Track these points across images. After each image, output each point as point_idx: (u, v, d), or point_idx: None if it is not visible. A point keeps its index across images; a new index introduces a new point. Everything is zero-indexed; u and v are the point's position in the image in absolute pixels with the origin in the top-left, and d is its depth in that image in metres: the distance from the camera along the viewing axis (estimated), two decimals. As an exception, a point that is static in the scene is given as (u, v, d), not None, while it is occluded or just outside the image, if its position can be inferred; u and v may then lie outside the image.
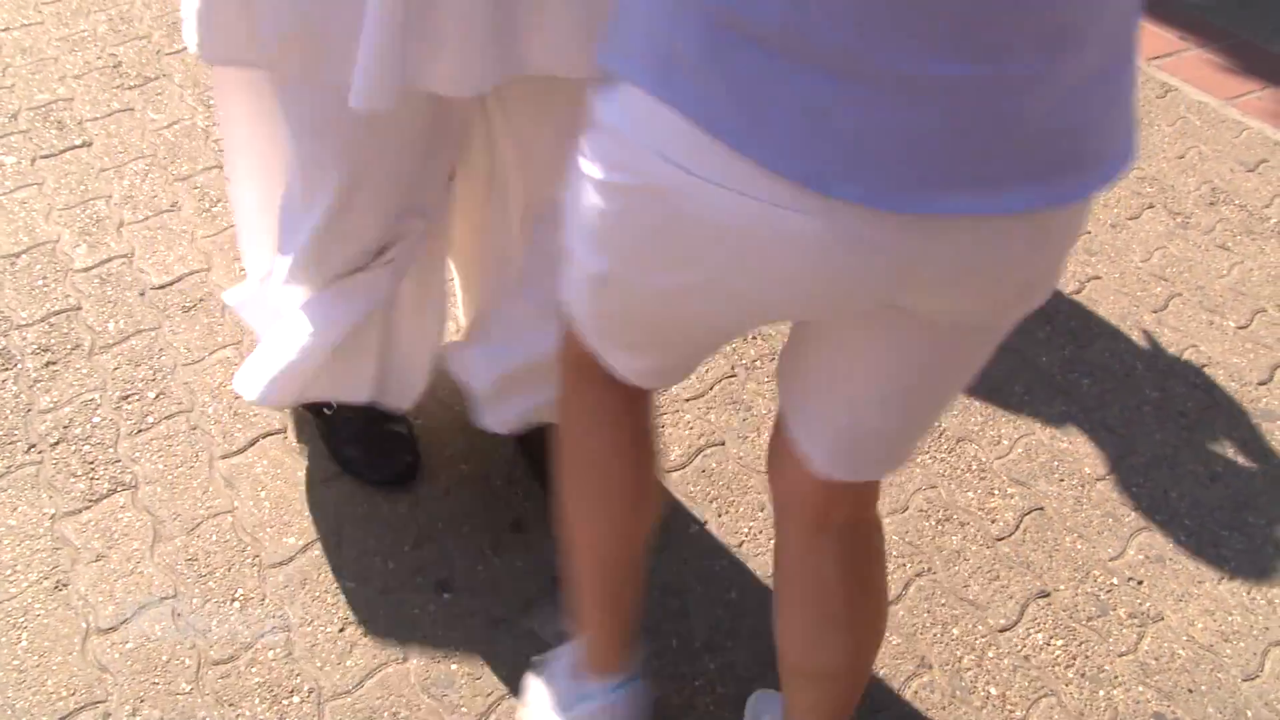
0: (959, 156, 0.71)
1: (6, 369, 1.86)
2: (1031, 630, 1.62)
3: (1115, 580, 1.70)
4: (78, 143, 2.37)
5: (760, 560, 1.68)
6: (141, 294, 2.02)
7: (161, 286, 2.03)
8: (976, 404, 1.96)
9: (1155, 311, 2.22)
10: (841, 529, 1.11)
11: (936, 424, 1.88)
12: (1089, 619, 1.64)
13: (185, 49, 2.69)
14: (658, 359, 1.03)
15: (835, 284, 0.79)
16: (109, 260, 2.08)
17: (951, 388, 0.99)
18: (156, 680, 1.46)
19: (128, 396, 1.83)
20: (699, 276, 0.83)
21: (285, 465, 1.74)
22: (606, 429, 1.17)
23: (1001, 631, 1.61)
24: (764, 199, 0.74)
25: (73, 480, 1.69)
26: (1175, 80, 3.00)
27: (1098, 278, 2.29)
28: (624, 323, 0.97)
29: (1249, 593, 1.71)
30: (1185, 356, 2.12)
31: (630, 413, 1.16)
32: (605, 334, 1.01)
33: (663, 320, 0.93)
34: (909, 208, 0.72)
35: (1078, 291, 2.25)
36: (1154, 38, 3.21)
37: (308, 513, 1.68)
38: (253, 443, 1.77)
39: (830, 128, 0.70)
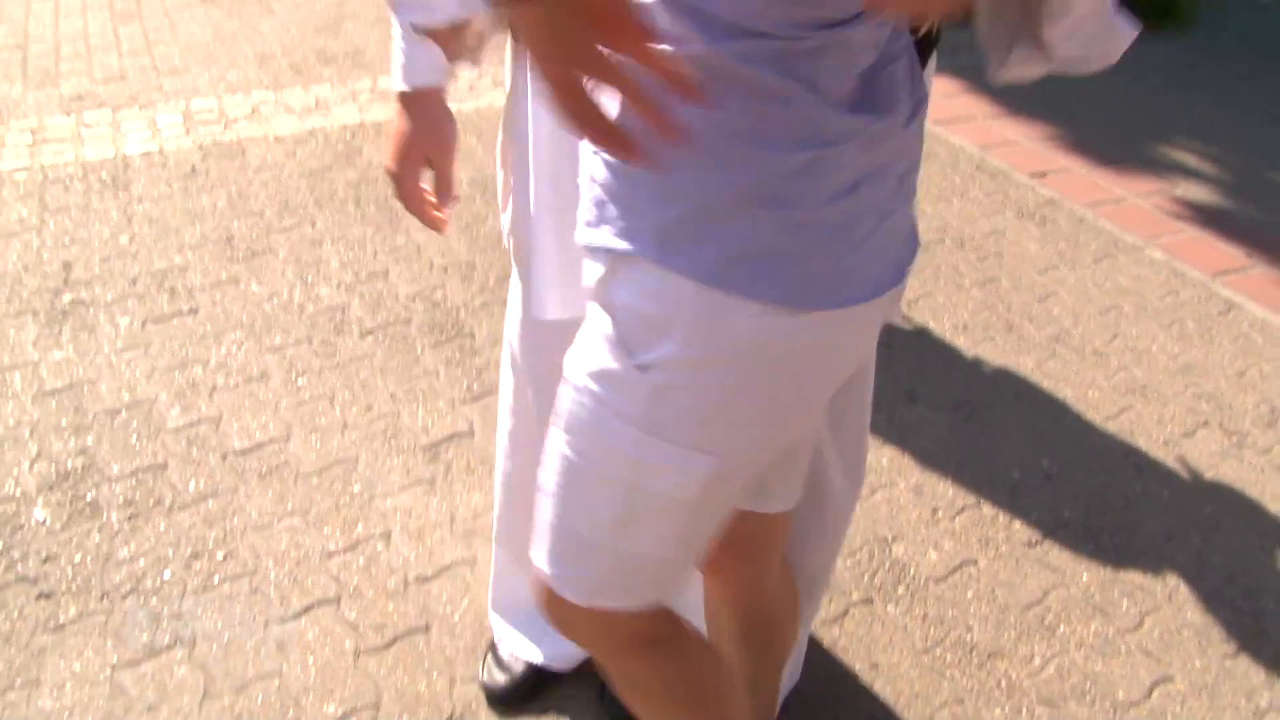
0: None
1: (93, 518, 2.01)
2: None
3: (1144, 816, 1.67)
4: (185, 309, 2.60)
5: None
6: (224, 457, 2.18)
7: (243, 451, 2.19)
8: (1010, 619, 1.97)
9: (1203, 533, 2.22)
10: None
11: (968, 638, 1.90)
12: None
13: (293, 226, 2.96)
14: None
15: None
16: (198, 422, 2.26)
17: None
18: (188, 838, 1.53)
19: (198, 555, 1.96)
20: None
21: (335, 634, 1.83)
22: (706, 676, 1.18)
23: None
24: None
25: (137, 632, 1.81)
26: (1239, 297, 3.05)
27: (1146, 494, 2.30)
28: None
29: (1287, 841, 1.66)
30: (1233, 581, 2.11)
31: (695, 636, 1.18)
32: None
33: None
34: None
35: (1124, 508, 2.26)
36: (1219, 253, 3.27)
37: (350, 682, 1.76)
38: (307, 609, 1.87)
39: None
